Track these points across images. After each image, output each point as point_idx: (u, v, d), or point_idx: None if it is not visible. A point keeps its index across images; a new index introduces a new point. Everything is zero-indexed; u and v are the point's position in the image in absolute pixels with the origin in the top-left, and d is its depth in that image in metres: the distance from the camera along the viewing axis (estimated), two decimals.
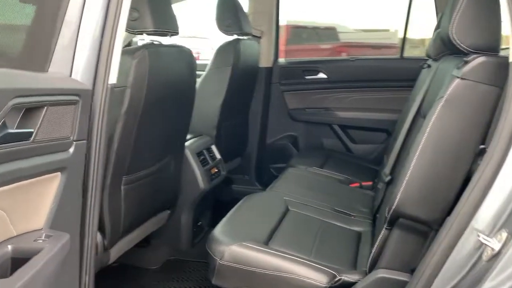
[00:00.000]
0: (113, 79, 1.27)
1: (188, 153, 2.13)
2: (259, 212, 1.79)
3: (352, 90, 2.99)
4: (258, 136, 3.01)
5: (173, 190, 2.04)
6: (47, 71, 1.01)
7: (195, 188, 2.15)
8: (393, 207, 1.27)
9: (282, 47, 3.21)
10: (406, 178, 1.24)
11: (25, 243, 0.88)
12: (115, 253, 1.72)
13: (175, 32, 1.75)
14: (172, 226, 2.18)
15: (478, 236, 1.03)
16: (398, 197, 1.26)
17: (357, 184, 2.34)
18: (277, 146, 3.10)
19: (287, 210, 1.83)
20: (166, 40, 1.77)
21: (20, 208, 0.90)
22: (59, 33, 1.02)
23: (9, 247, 0.86)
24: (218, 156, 2.37)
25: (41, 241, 0.91)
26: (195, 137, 2.31)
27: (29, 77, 0.85)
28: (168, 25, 1.69)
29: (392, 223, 1.32)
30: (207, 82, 2.43)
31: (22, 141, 0.81)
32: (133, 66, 1.50)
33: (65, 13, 1.04)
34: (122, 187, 1.65)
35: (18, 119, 0.82)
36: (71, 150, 1.01)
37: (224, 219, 1.68)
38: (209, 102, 2.40)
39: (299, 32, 4.63)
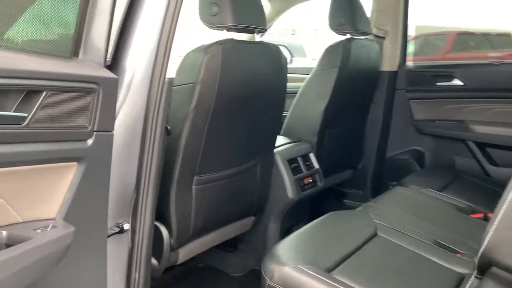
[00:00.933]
0: (170, 73, 1.22)
1: (278, 158, 1.99)
2: (337, 232, 1.55)
3: (495, 101, 2.47)
4: (376, 148, 2.70)
5: (259, 196, 1.92)
6: (77, 57, 0.99)
7: (283, 197, 2.00)
8: (482, 249, 0.93)
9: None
10: (501, 212, 0.90)
11: (22, 231, 0.86)
12: (185, 253, 1.68)
13: (261, 29, 1.63)
14: (259, 234, 2.06)
15: None
16: (488, 237, 0.92)
17: (480, 215, 1.89)
18: (399, 161, 2.74)
19: (374, 235, 1.55)
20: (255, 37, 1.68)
21: (25, 195, 0.88)
22: (93, 21, 0.99)
23: (4, 233, 0.84)
24: (315, 165, 2.17)
25: (39, 231, 0.88)
26: (291, 142, 2.16)
27: (17, 55, 0.82)
28: (251, 21, 1.58)
29: (483, 271, 0.98)
30: (310, 84, 2.25)
31: (12, 124, 0.79)
32: (204, 62, 1.43)
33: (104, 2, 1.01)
34: (193, 187, 1.59)
35: (15, 101, 0.80)
36: (90, 140, 0.96)
37: (293, 235, 1.50)
38: (311, 106, 2.22)
39: (465, 39, 4.06)
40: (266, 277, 1.27)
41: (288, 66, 1.81)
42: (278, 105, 1.81)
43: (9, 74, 0.75)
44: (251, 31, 1.63)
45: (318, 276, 1.22)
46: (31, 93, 0.81)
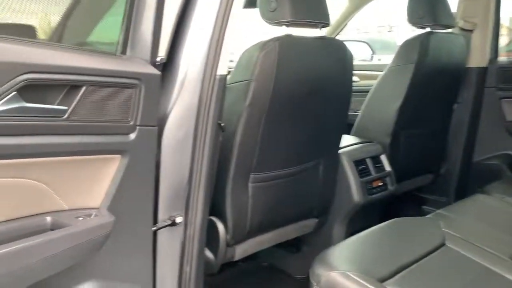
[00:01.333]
0: (222, 69, 1.23)
1: (344, 159, 1.91)
2: (398, 240, 1.45)
3: None
4: (462, 151, 2.48)
5: (322, 197, 1.86)
6: (124, 54, 1.03)
7: (348, 199, 1.91)
8: None
9: None
10: None
11: (65, 218, 0.91)
12: (242, 250, 1.68)
13: (324, 23, 1.58)
14: (324, 236, 2.00)
15: None
16: None
17: None
18: (487, 166, 2.48)
19: (441, 245, 1.42)
20: (316, 33, 1.62)
21: (70, 184, 0.94)
22: (139, 21, 1.03)
23: (48, 218, 0.91)
24: (387, 168, 2.05)
25: (81, 218, 0.93)
26: (361, 143, 2.06)
27: (63, 53, 0.87)
28: (312, 15, 1.53)
29: None
30: (384, 82, 2.13)
31: (54, 117, 0.84)
32: (259, 58, 1.42)
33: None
34: (250, 185, 1.59)
35: (59, 96, 0.85)
36: (133, 134, 1.00)
37: (349, 240, 1.43)
38: (384, 105, 2.10)
39: None
40: (313, 282, 1.23)
41: (368, 63, 1.73)
42: (342, 103, 1.74)
43: (53, 70, 0.81)
44: (313, 26, 1.58)
45: (367, 284, 1.15)
46: (72, 88, 0.86)
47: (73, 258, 0.90)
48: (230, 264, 2.00)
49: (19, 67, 0.76)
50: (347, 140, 2.07)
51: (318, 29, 1.61)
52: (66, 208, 0.95)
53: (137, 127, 1.00)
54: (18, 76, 0.76)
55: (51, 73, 0.81)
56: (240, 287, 1.92)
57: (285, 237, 1.83)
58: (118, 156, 0.99)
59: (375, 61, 3.26)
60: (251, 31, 2.12)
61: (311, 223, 1.90)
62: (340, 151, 1.93)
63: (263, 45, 1.44)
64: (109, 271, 1.06)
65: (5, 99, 0.75)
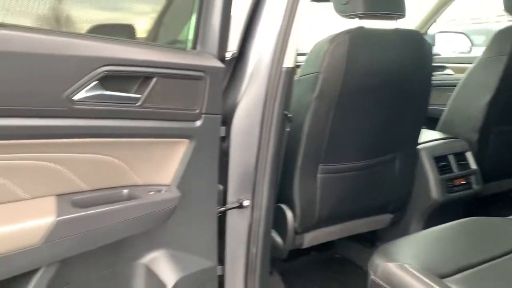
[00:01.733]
0: (289, 62, 1.29)
1: (422, 155, 1.85)
2: (470, 239, 1.38)
3: None
4: None
5: (397, 193, 1.83)
6: (195, 49, 1.15)
7: (425, 196, 1.85)
8: None
9: None
10: None
11: (139, 191, 1.06)
12: (310, 239, 1.73)
13: (399, 14, 1.55)
14: (399, 233, 1.96)
15: None
16: None
17: None
18: None
19: None
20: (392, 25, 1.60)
21: (144, 162, 1.08)
22: (208, 19, 1.14)
23: (125, 191, 1.05)
24: (472, 166, 1.94)
25: (152, 193, 1.07)
26: (444, 138, 1.97)
27: (138, 48, 0.99)
28: (385, 7, 1.52)
29: None
30: (473, 74, 2.00)
31: (130, 104, 0.98)
32: (328, 51, 1.45)
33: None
34: (318, 176, 1.63)
35: (135, 85, 0.99)
36: (199, 122, 1.11)
37: (416, 234, 1.40)
38: (472, 99, 1.98)
39: None
40: (370, 271, 1.24)
41: (466, 55, 1.66)
42: (420, 96, 1.69)
43: (128, 63, 0.94)
44: (388, 17, 1.56)
45: (425, 278, 1.13)
46: (145, 79, 0.99)
47: (144, 225, 1.04)
48: (303, 253, 2.06)
49: (99, 60, 0.90)
50: (429, 135, 2.00)
51: (394, 21, 1.59)
52: (141, 183, 1.09)
53: (203, 115, 1.11)
54: (98, 68, 0.90)
55: (126, 66, 0.95)
56: (312, 276, 1.97)
57: (357, 230, 1.84)
58: (186, 140, 1.11)
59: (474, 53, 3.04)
60: (325, 24, 2.13)
61: (385, 218, 1.88)
62: (419, 146, 1.88)
63: (333, 38, 1.46)
64: (177, 242, 1.19)
65: (88, 87, 0.90)
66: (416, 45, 1.60)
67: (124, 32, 1.54)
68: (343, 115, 1.53)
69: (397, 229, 1.95)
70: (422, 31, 2.74)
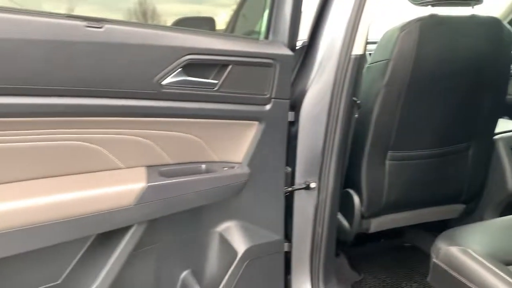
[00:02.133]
0: (358, 50, 1.35)
1: (499, 145, 1.80)
2: None
3: None
4: None
5: (470, 183, 1.81)
6: (267, 39, 1.25)
7: (501, 188, 1.80)
8: None
9: None
10: None
11: (215, 167, 1.19)
12: (377, 224, 1.77)
13: (475, 0, 1.53)
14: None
15: None
16: None
17: None
18: None
19: None
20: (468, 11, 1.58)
21: (219, 141, 1.20)
22: (279, 11, 1.23)
23: (203, 165, 1.19)
24: None
25: (226, 168, 1.19)
26: None
27: (215, 39, 1.11)
28: None
29: None
30: None
31: (209, 88, 1.11)
32: (399, 39, 1.48)
33: None
34: (387, 162, 1.66)
35: (213, 72, 1.11)
36: (268, 105, 1.21)
37: (485, 222, 1.40)
38: None
39: None
40: (432, 254, 1.27)
41: None
42: (497, 85, 1.65)
43: (207, 52, 1.07)
44: (462, 4, 1.55)
45: (487, 263, 1.14)
46: (223, 66, 1.12)
47: (218, 196, 1.17)
48: (372, 240, 2.10)
49: (184, 50, 1.03)
50: (508, 125, 1.93)
51: (470, 8, 1.56)
52: (216, 160, 1.22)
53: (272, 99, 1.21)
54: (183, 56, 1.03)
55: (206, 55, 1.08)
56: (379, 261, 2.00)
57: (426, 218, 1.84)
58: (256, 122, 1.22)
59: None
60: (397, 12, 2.11)
61: (457, 208, 1.86)
62: (496, 136, 1.83)
63: (404, 26, 1.49)
64: (248, 215, 1.31)
65: (174, 73, 1.04)
66: (495, 33, 1.57)
67: (205, 24, 1.70)
68: (413, 102, 1.55)
69: (470, 220, 1.91)
70: (506, 21, 2.59)
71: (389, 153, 1.64)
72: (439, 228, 1.99)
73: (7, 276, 0.98)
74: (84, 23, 0.91)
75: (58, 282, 1.05)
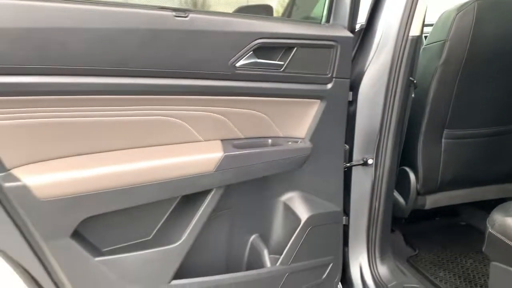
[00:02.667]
0: (415, 31, 1.42)
1: None
2: None
3: None
4: None
5: None
6: (328, 23, 1.35)
7: None
8: None
9: None
10: None
11: (280, 141, 1.31)
12: (432, 201, 1.83)
13: None
14: None
15: None
16: None
17: None
18: None
19: None
20: None
21: (284, 118, 1.32)
22: None
23: (269, 140, 1.32)
24: None
25: (290, 142, 1.32)
26: None
27: (282, 24, 1.23)
28: None
29: None
30: None
31: (275, 69, 1.22)
32: (455, 19, 1.52)
33: None
34: (443, 140, 1.72)
35: (279, 54, 1.22)
36: (330, 84, 1.31)
37: None
38: None
39: None
40: (488, 225, 1.33)
41: None
42: None
43: (275, 36, 1.18)
44: None
45: None
46: (288, 49, 1.23)
47: (283, 167, 1.29)
48: (427, 218, 2.16)
49: (255, 34, 1.16)
50: None
51: None
52: (281, 135, 1.35)
53: (333, 78, 1.31)
54: (254, 40, 1.16)
55: (274, 38, 1.20)
56: (433, 238, 2.05)
57: (482, 196, 1.87)
58: (318, 100, 1.33)
59: None
60: None
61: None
62: None
63: (461, 6, 1.53)
64: (310, 187, 1.42)
65: (246, 56, 1.17)
66: None
67: (264, 11, 1.82)
68: (469, 81, 1.59)
69: None
70: None
71: (445, 132, 1.70)
72: (494, 206, 2.01)
73: (109, 229, 1.16)
74: (173, 13, 1.06)
75: (148, 238, 1.22)
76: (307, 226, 1.39)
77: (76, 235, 1.09)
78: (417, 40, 1.41)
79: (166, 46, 1.07)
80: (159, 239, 1.20)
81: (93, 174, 1.05)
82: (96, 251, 1.14)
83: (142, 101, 1.11)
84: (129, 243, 1.20)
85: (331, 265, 1.50)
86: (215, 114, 1.21)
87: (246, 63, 1.18)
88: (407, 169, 1.79)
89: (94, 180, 1.05)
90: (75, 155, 1.08)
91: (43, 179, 1.01)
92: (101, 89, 1.04)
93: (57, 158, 1.06)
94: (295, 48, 1.22)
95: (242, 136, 1.29)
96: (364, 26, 1.49)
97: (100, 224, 1.13)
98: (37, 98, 0.99)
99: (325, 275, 1.49)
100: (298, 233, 1.38)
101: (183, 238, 1.18)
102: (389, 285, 1.55)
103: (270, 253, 1.41)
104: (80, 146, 1.08)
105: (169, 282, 1.20)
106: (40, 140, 1.03)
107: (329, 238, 1.48)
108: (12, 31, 0.92)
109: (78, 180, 1.03)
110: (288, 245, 1.37)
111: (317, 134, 1.35)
